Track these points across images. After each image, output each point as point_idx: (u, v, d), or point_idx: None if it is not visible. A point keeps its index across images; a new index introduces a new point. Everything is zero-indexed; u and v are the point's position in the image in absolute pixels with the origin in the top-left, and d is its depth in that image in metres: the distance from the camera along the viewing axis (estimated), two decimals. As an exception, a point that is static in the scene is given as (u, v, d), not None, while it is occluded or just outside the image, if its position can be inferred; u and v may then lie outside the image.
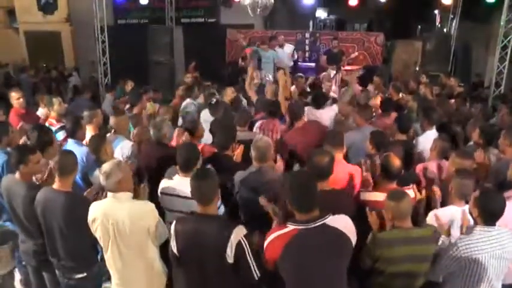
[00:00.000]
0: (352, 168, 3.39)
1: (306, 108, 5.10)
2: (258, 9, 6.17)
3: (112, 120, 4.39)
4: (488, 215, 2.53)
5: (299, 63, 10.74)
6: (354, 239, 2.35)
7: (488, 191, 2.65)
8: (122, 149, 4.07)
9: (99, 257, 3.18)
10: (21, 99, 5.51)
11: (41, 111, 5.47)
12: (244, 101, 5.93)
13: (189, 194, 2.64)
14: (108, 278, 3.06)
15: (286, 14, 12.82)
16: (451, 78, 7.85)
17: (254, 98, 5.94)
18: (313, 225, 2.28)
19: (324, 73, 7.90)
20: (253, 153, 3.22)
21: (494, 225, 2.55)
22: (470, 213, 2.67)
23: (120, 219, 2.70)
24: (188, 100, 6.15)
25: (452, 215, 2.91)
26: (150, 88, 7.39)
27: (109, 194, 2.77)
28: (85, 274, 3.09)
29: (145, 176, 3.62)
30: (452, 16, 11.21)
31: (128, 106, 5.71)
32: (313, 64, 11.01)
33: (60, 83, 11.92)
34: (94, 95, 8.93)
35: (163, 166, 3.62)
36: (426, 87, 6.53)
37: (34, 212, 3.03)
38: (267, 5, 6.24)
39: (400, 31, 14.21)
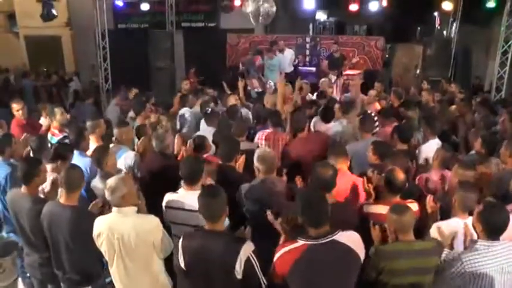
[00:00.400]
0: (357, 179, 3.41)
1: (313, 121, 5.10)
2: (261, 18, 6.18)
3: (116, 132, 4.41)
4: (492, 230, 2.53)
5: (299, 67, 10.75)
6: (362, 255, 2.40)
7: (491, 205, 2.65)
8: (126, 159, 4.09)
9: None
10: (21, 111, 5.50)
11: (43, 121, 5.47)
12: (245, 111, 5.89)
13: (194, 207, 2.66)
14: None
15: (286, 18, 12.85)
16: (451, 85, 7.87)
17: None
18: (323, 241, 2.33)
19: (323, 79, 7.89)
20: (260, 165, 3.25)
21: (498, 239, 2.56)
22: (474, 227, 2.67)
23: (125, 233, 2.71)
24: (185, 109, 6.14)
25: (455, 227, 2.92)
26: (152, 95, 7.39)
27: (114, 208, 2.78)
28: (90, 287, 3.10)
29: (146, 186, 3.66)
30: (452, 19, 11.24)
31: (131, 114, 5.72)
32: (313, 68, 11.02)
33: (60, 88, 11.94)
34: (95, 100, 8.94)
35: (166, 176, 3.66)
36: (429, 94, 6.55)
37: (40, 226, 3.05)
38: (269, 13, 6.25)
39: (399, 33, 14.26)
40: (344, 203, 3.13)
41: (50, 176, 3.45)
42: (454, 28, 11.16)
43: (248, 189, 3.22)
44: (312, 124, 5.05)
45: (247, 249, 2.40)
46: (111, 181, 2.75)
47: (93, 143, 4.33)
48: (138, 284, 2.87)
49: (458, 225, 2.92)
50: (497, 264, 2.51)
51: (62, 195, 3.03)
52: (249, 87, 8.69)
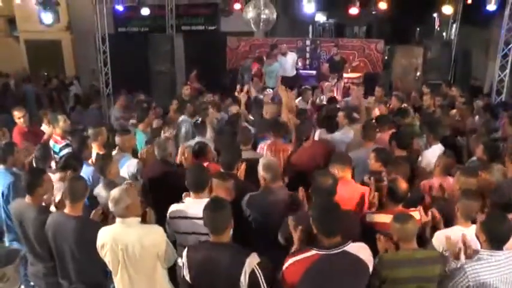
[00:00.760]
0: (361, 188, 3.43)
1: (318, 132, 5.08)
2: (261, 24, 6.18)
3: (118, 139, 4.40)
4: (496, 240, 2.54)
5: (300, 70, 10.76)
6: (371, 265, 2.46)
7: (494, 215, 2.66)
8: (129, 167, 4.11)
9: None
10: (22, 119, 5.49)
11: (44, 127, 5.47)
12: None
13: (197, 215, 2.67)
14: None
15: (286, 21, 12.86)
16: (452, 88, 7.87)
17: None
18: (334, 252, 2.38)
19: (327, 83, 7.89)
20: (265, 174, 3.26)
21: (502, 249, 2.56)
22: (477, 237, 2.68)
23: (129, 244, 2.72)
24: (183, 117, 6.13)
25: (457, 236, 2.92)
26: (152, 100, 7.40)
27: (118, 219, 2.79)
28: (95, 297, 3.11)
29: (148, 194, 3.66)
30: (452, 21, 11.25)
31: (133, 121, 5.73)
32: (313, 72, 11.03)
33: (61, 92, 11.94)
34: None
35: (168, 183, 3.68)
36: (430, 98, 6.55)
37: (45, 236, 3.06)
38: (269, 20, 6.25)
39: (399, 34, 14.25)
40: (347, 212, 3.13)
41: (56, 185, 3.46)
42: (454, 30, 11.15)
43: (253, 198, 3.24)
44: (316, 136, 5.00)
45: (252, 261, 2.41)
46: (115, 192, 2.76)
47: (95, 151, 4.34)
48: (143, 293, 2.86)
49: (460, 234, 2.92)
50: (501, 274, 2.51)
51: (66, 206, 3.03)
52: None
